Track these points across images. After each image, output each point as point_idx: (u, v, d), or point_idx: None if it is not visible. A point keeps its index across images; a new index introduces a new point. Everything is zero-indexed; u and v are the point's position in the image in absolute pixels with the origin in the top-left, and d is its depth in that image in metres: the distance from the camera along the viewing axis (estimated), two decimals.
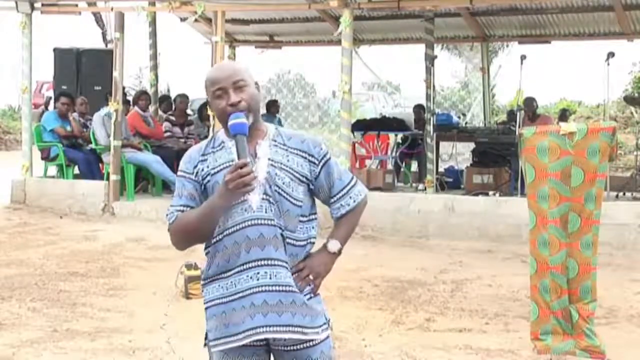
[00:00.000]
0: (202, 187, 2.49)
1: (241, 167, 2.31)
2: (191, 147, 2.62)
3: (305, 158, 2.53)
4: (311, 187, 2.56)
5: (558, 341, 4.80)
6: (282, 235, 2.46)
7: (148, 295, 6.27)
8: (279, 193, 2.46)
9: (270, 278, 2.44)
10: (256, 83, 2.54)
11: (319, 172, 2.55)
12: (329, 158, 2.58)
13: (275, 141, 2.52)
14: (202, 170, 2.49)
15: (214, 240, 2.49)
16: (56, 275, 6.80)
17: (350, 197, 2.63)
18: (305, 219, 2.54)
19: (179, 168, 2.56)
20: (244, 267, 2.45)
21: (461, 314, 5.81)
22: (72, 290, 6.32)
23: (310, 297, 2.52)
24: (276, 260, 2.45)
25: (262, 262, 2.44)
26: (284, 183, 2.46)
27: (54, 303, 5.93)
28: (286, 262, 2.47)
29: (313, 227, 2.57)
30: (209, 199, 2.44)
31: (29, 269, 7.05)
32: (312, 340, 2.49)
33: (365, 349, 4.95)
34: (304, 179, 2.52)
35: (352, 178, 2.65)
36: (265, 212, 2.45)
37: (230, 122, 2.42)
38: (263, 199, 2.45)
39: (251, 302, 2.43)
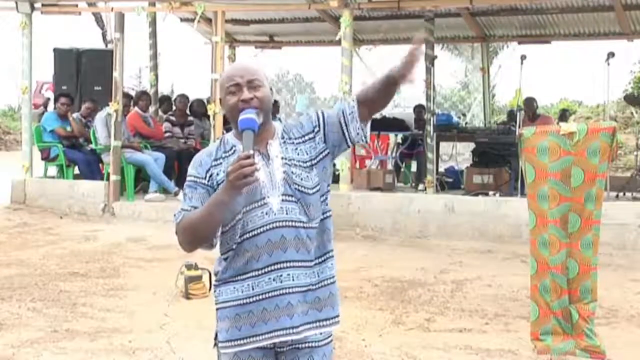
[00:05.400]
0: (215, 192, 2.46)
1: (243, 159, 2.29)
2: (200, 152, 2.59)
3: (311, 138, 2.51)
4: (327, 151, 2.51)
5: (558, 341, 4.80)
6: (304, 234, 2.45)
7: (148, 295, 6.27)
8: (299, 190, 2.45)
9: (293, 280, 2.44)
10: (271, 88, 2.54)
11: (325, 131, 2.50)
12: (321, 114, 2.53)
13: (283, 138, 2.51)
14: (217, 175, 2.46)
15: (235, 244, 2.46)
16: (56, 276, 6.80)
17: (349, 101, 2.51)
18: (323, 197, 2.52)
19: (189, 173, 2.52)
20: (265, 270, 2.43)
21: (461, 314, 5.81)
22: (72, 290, 6.32)
23: (336, 290, 2.55)
24: (297, 262, 2.45)
25: (285, 265, 2.43)
26: (301, 179, 2.46)
27: (54, 303, 5.93)
28: (307, 262, 2.46)
29: (326, 201, 2.54)
30: (212, 196, 2.41)
31: (29, 269, 7.05)
32: (316, 341, 2.50)
33: (365, 349, 4.95)
34: (313, 161, 2.49)
35: (341, 107, 2.51)
36: (286, 213, 2.43)
37: (240, 117, 2.40)
38: (283, 200, 2.43)
39: (275, 304, 2.43)
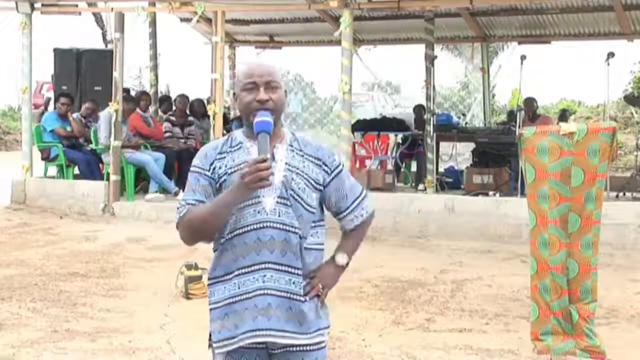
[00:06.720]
0: (218, 185, 2.48)
1: (260, 162, 2.31)
2: (206, 144, 2.62)
3: (320, 166, 2.54)
4: (321, 189, 2.56)
5: (558, 341, 4.80)
6: (293, 239, 2.46)
7: (148, 296, 6.26)
8: (294, 197, 2.46)
9: (274, 282, 2.45)
10: (285, 90, 2.56)
11: (330, 181, 2.56)
12: (342, 170, 2.59)
13: (292, 146, 2.52)
14: (220, 168, 2.49)
15: (223, 239, 2.49)
16: (56, 276, 6.80)
17: (362, 209, 2.63)
18: (315, 224, 2.54)
19: (193, 163, 2.54)
20: (251, 268, 2.45)
21: (461, 314, 5.81)
22: (72, 290, 6.32)
23: (316, 306, 2.53)
24: (282, 265, 2.45)
25: (270, 265, 2.44)
26: (299, 188, 2.47)
27: (54, 303, 5.93)
28: (292, 268, 2.47)
29: (322, 234, 2.58)
30: (221, 194, 2.44)
31: (29, 269, 7.05)
32: (307, 345, 2.50)
33: (365, 349, 4.95)
34: (318, 186, 2.53)
35: (362, 190, 2.66)
36: (279, 215, 2.45)
37: (256, 119, 2.42)
38: (277, 202, 2.45)
39: (254, 304, 2.44)
